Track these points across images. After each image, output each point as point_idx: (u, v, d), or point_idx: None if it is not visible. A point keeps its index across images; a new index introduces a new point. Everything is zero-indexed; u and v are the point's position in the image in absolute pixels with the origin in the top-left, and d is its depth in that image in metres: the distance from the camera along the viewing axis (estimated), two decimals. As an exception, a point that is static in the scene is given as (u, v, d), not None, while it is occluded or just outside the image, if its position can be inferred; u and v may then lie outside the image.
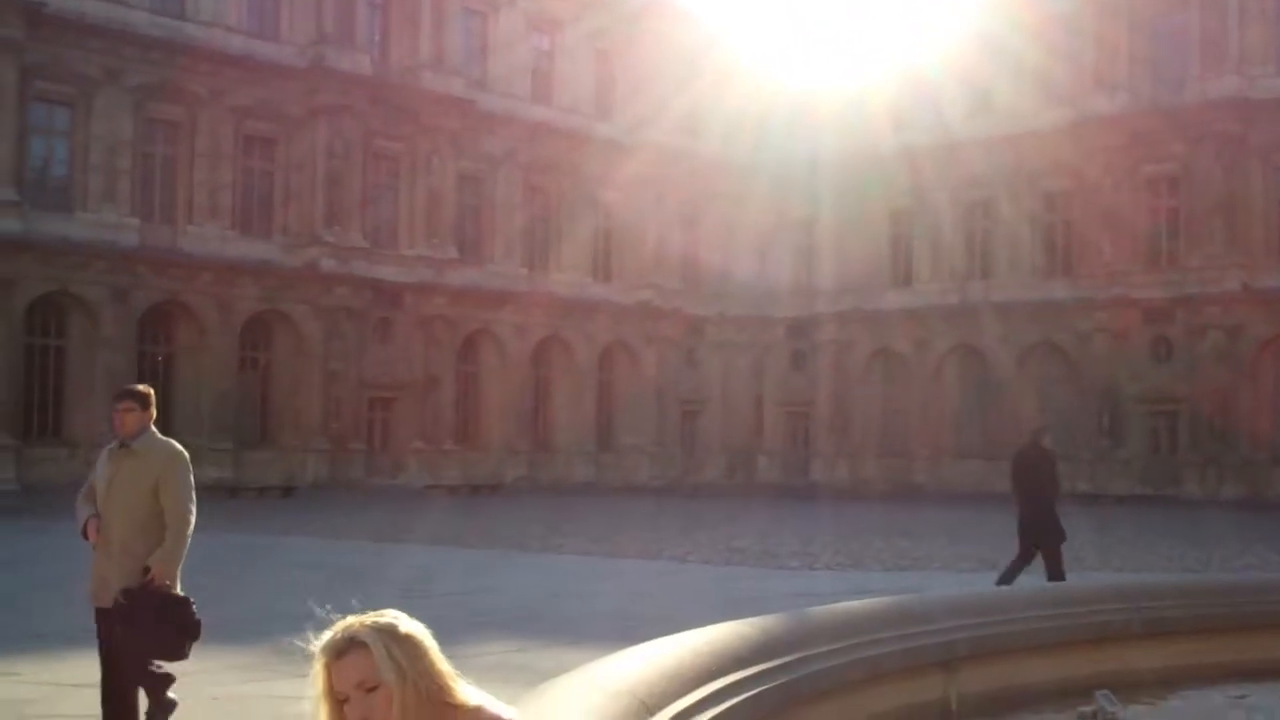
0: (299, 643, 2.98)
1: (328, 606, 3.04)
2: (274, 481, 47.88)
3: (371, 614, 2.96)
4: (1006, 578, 16.10)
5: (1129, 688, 10.48)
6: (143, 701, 8.23)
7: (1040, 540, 16.44)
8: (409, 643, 2.92)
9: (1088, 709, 10.01)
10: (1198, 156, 52.93)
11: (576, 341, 60.38)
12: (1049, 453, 17.51)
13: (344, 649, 2.90)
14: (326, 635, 2.95)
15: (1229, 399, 52.26)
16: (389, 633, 2.91)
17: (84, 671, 10.27)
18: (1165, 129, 53.31)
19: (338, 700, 2.91)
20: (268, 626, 12.64)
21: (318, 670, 2.95)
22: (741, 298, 64.99)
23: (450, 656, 2.99)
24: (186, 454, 8.49)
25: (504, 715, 2.93)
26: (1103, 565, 19.16)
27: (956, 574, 19.29)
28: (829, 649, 9.20)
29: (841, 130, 59.97)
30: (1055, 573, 16.13)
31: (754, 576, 18.43)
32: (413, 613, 2.97)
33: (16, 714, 8.76)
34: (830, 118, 60.64)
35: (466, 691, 2.97)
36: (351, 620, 2.96)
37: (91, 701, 9.10)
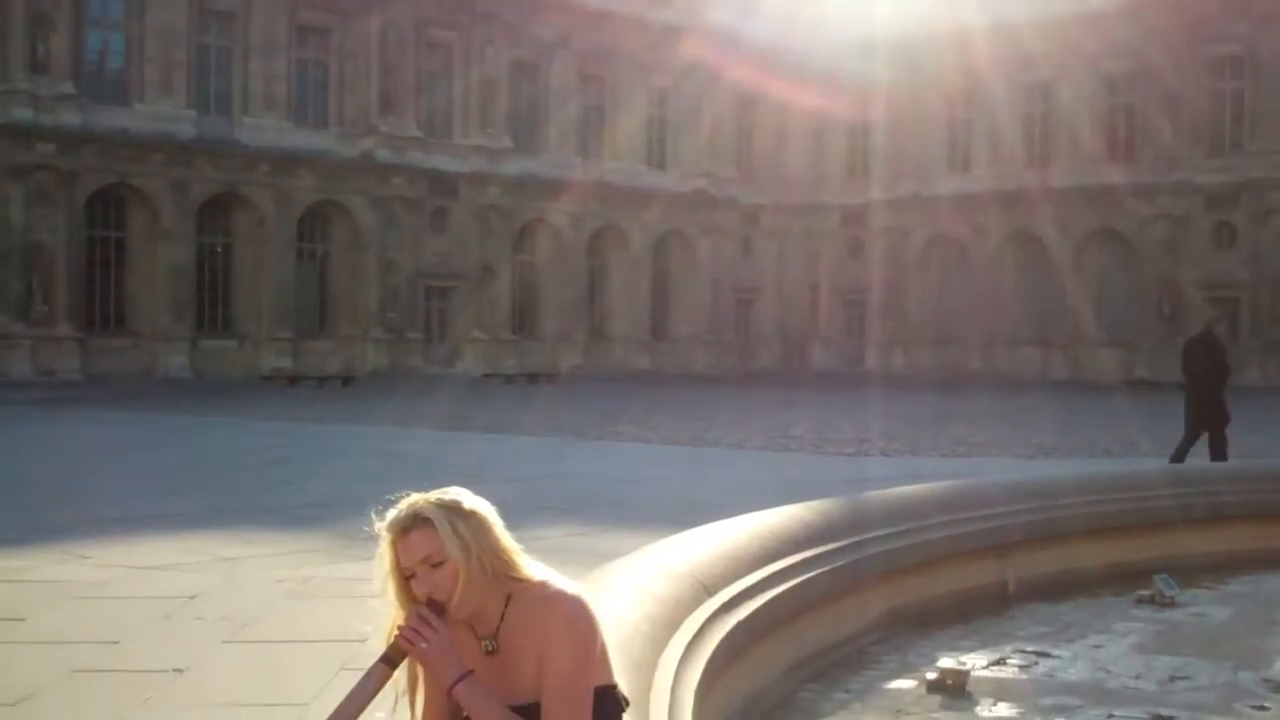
0: (365, 527, 3.04)
1: (394, 492, 3.08)
2: (333, 371, 48.29)
3: (436, 491, 3.01)
4: (1177, 456, 17.19)
5: (1186, 572, 10.49)
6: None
7: (1207, 422, 17.53)
8: (473, 519, 2.97)
9: (1145, 593, 10.04)
10: (1262, 37, 51.84)
11: (631, 230, 60.26)
12: (1219, 342, 18.73)
13: (409, 525, 2.95)
14: (392, 513, 3.00)
15: (1291, 285, 51.65)
16: (454, 509, 2.96)
17: (149, 555, 10.50)
18: (1228, 9, 52.15)
19: (404, 576, 2.97)
20: (332, 512, 12.82)
21: (384, 547, 3.00)
22: (796, 185, 64.54)
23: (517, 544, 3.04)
24: None
25: (569, 590, 2.98)
26: (1160, 453, 19.08)
27: (1012, 460, 19.26)
28: (885, 533, 9.26)
29: (897, 13, 59.03)
30: (1219, 454, 17.14)
31: (810, 462, 18.51)
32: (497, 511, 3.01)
33: (89, 595, 8.96)
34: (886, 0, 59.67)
35: (531, 567, 3.03)
36: (416, 498, 3.00)
37: (158, 582, 9.30)
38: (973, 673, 7.85)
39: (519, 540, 3.04)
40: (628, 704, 3.06)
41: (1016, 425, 27.76)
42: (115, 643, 7.56)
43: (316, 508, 13.26)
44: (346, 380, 45.91)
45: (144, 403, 33.00)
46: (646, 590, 6.27)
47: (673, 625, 6.13)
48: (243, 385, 43.32)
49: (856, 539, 8.94)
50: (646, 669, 5.43)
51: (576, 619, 2.95)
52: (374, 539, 3.02)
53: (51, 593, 9.05)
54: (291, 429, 24.74)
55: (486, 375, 49.67)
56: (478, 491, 3.04)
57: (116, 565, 10.07)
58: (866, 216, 62.74)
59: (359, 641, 7.10)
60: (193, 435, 23.57)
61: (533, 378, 49.07)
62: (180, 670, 6.92)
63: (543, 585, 2.99)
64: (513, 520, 3.04)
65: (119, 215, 47.94)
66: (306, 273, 52.74)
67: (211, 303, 49.97)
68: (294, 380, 44.78)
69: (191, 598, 8.86)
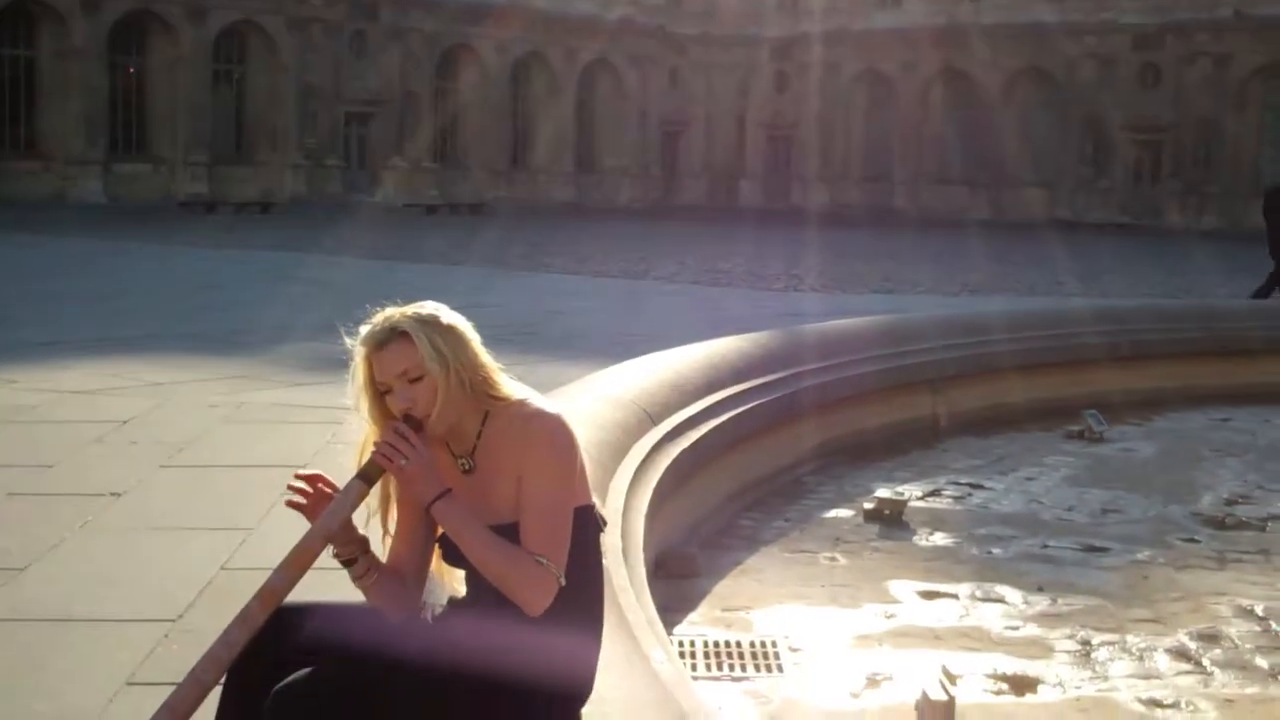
0: (347, 337, 2.94)
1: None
2: (251, 197, 47.53)
3: (412, 305, 2.91)
4: (1261, 293, 18.55)
5: (1113, 409, 10.65)
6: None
7: None
8: (452, 334, 2.87)
9: (1075, 428, 10.20)
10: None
11: (557, 59, 59.35)
12: None
13: (386, 339, 2.85)
14: (366, 327, 2.90)
15: (1213, 128, 51.97)
16: (431, 323, 2.86)
17: (78, 379, 10.33)
18: None
19: (379, 391, 2.88)
20: (260, 338, 12.68)
21: (358, 362, 2.90)
22: (726, 16, 63.72)
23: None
24: None
25: (548, 408, 2.91)
26: (1085, 292, 19.29)
27: (940, 297, 19.39)
28: (823, 364, 9.31)
29: None
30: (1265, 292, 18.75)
31: (741, 297, 18.52)
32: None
33: (19, 419, 8.81)
34: None
35: (510, 385, 2.95)
36: (392, 311, 2.90)
37: (89, 406, 9.15)
38: (909, 503, 7.95)
39: None
40: (605, 524, 3.01)
41: (943, 263, 27.92)
42: (49, 466, 7.43)
43: (244, 334, 13.07)
44: (265, 207, 45.26)
45: (58, 228, 32.34)
46: (593, 417, 6.25)
47: (620, 452, 6.14)
48: (159, 211, 42.56)
49: (794, 370, 8.98)
50: (598, 493, 5.42)
51: (556, 437, 2.87)
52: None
53: (-20, 416, 8.89)
54: (212, 255, 24.39)
55: (408, 205, 49.08)
56: None
57: (45, 390, 9.89)
58: (796, 50, 62.17)
59: (300, 466, 7.03)
60: (112, 261, 23.18)
61: (454, 208, 48.59)
62: (117, 494, 6.83)
63: (521, 403, 2.91)
64: None
65: (29, 33, 46.51)
66: (223, 96, 51.59)
67: (125, 125, 48.81)
68: (211, 207, 44.06)
69: (124, 422, 8.73)
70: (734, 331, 10.35)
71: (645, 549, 5.66)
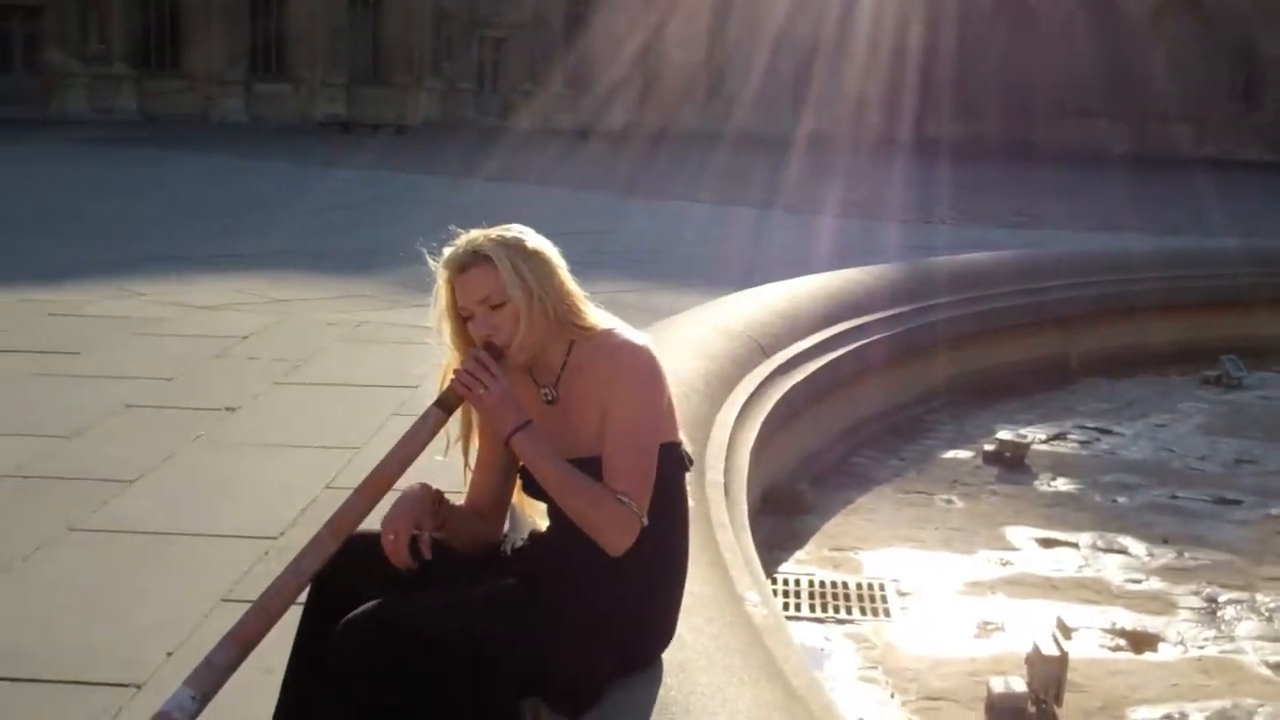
0: (423, 272, 2.84)
1: (453, 227, 2.87)
2: (387, 119, 47.81)
3: (497, 228, 2.79)
4: None
5: (1256, 354, 10.27)
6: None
7: None
8: (536, 259, 2.73)
9: (1211, 373, 9.84)
10: None
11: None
12: None
13: (468, 263, 2.72)
14: (450, 249, 2.79)
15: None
16: (515, 247, 2.72)
17: (203, 294, 10.44)
18: None
19: (461, 317, 2.77)
20: (385, 259, 12.70)
21: (440, 285, 2.80)
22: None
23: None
24: None
25: (635, 340, 2.77)
26: (1230, 232, 18.62)
27: (1077, 233, 18.88)
28: (948, 300, 9.07)
29: None
30: None
31: (869, 229, 18.20)
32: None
33: (144, 331, 8.90)
34: None
35: (596, 314, 2.81)
36: (476, 234, 2.77)
37: (212, 321, 9.22)
38: (1032, 446, 7.73)
39: None
40: (691, 463, 2.87)
41: (1081, 198, 27.25)
42: (169, 379, 7.51)
43: (369, 254, 13.11)
44: (400, 129, 45.48)
45: (200, 145, 32.83)
46: (704, 348, 6.13)
47: (730, 384, 6.00)
48: (297, 130, 43.02)
49: (918, 305, 8.76)
50: (703, 426, 5.32)
51: (642, 370, 2.74)
52: (430, 281, 2.82)
53: (106, 328, 9.01)
54: (345, 175, 24.54)
55: (539, 129, 49.04)
56: None
57: (171, 303, 10.02)
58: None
59: (412, 387, 7.02)
60: (248, 179, 23.45)
61: (585, 133, 48.44)
62: (232, 409, 6.87)
63: (608, 334, 2.77)
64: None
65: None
66: (360, 19, 51.84)
67: (265, 47, 49.34)
68: (347, 127, 44.42)
69: (244, 338, 8.81)
70: (860, 263, 10.14)
71: (752, 484, 5.54)
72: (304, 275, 11.91)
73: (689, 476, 2.89)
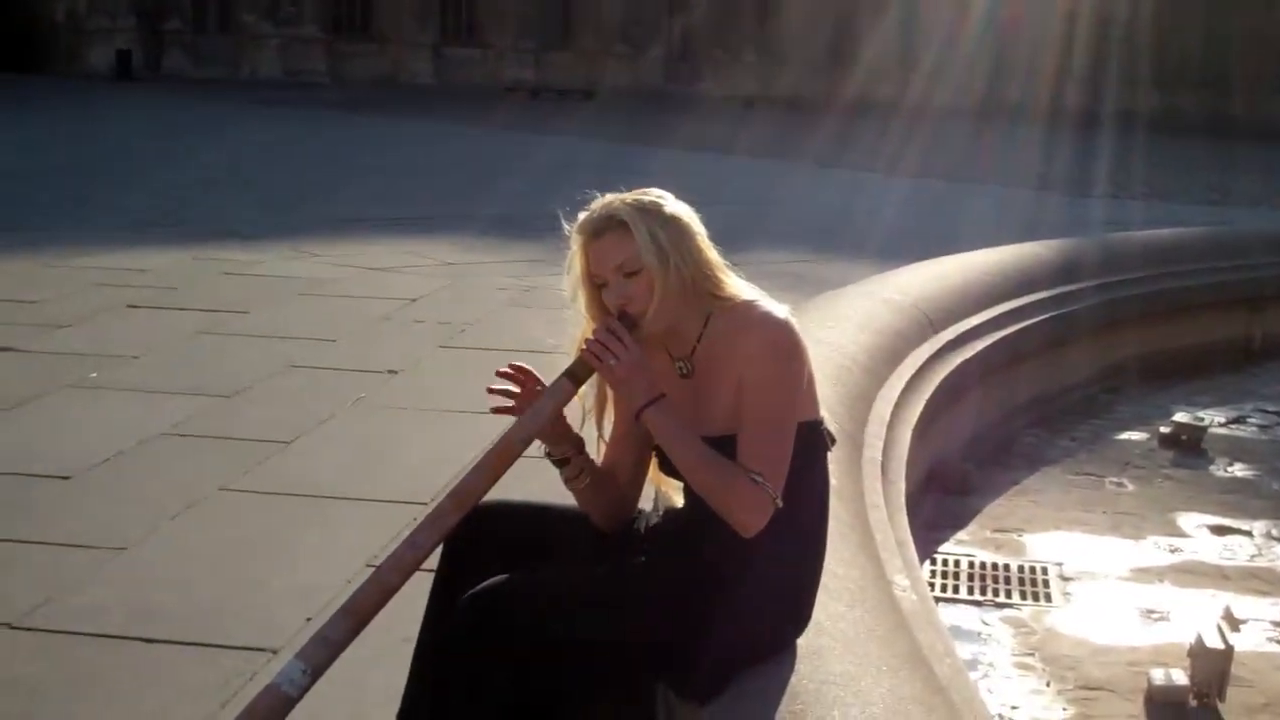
0: (565, 223, 2.76)
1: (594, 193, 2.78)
2: (574, 84, 48.04)
3: (634, 192, 2.68)
4: None
5: None
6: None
7: None
8: (674, 225, 2.61)
9: (1405, 357, 9.36)
10: None
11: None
12: None
13: (603, 228, 2.62)
14: (584, 214, 2.69)
15: None
16: (653, 212, 2.60)
17: (376, 256, 10.55)
18: None
19: (595, 285, 2.68)
20: (559, 225, 12.71)
21: (574, 251, 2.71)
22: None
23: (734, 264, 2.71)
24: None
25: (775, 313, 2.62)
26: None
27: (1272, 210, 18.15)
28: (1130, 277, 8.76)
29: None
30: None
31: (1055, 202, 17.72)
32: (700, 220, 2.69)
33: (313, 292, 9.03)
34: None
35: (737, 285, 2.67)
36: (612, 198, 2.67)
37: (381, 283, 9.31)
38: (1210, 429, 7.42)
39: (739, 264, 2.72)
40: (834, 441, 2.75)
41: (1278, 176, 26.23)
42: (333, 341, 7.59)
43: (548, 219, 13.05)
44: (587, 94, 45.66)
45: (388, 107, 33.33)
46: (868, 321, 5.98)
47: (894, 359, 5.85)
48: (485, 95, 43.43)
49: (1097, 282, 8.47)
50: (863, 402, 5.18)
51: (781, 344, 2.59)
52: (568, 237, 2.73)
53: (277, 288, 9.15)
54: (531, 140, 24.70)
55: (726, 97, 48.88)
56: (703, 213, 2.72)
57: (343, 265, 10.15)
58: (1135, -56, 59.00)
59: (574, 354, 6.96)
60: (433, 142, 23.70)
61: (773, 101, 48.12)
62: (394, 372, 6.91)
63: (747, 306, 2.63)
64: (735, 244, 2.71)
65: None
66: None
67: (455, 11, 49.91)
68: (535, 92, 44.73)
69: (413, 301, 8.87)
70: (1039, 237, 9.84)
71: (915, 463, 5.39)
72: (479, 239, 11.97)
73: (842, 454, 2.77)
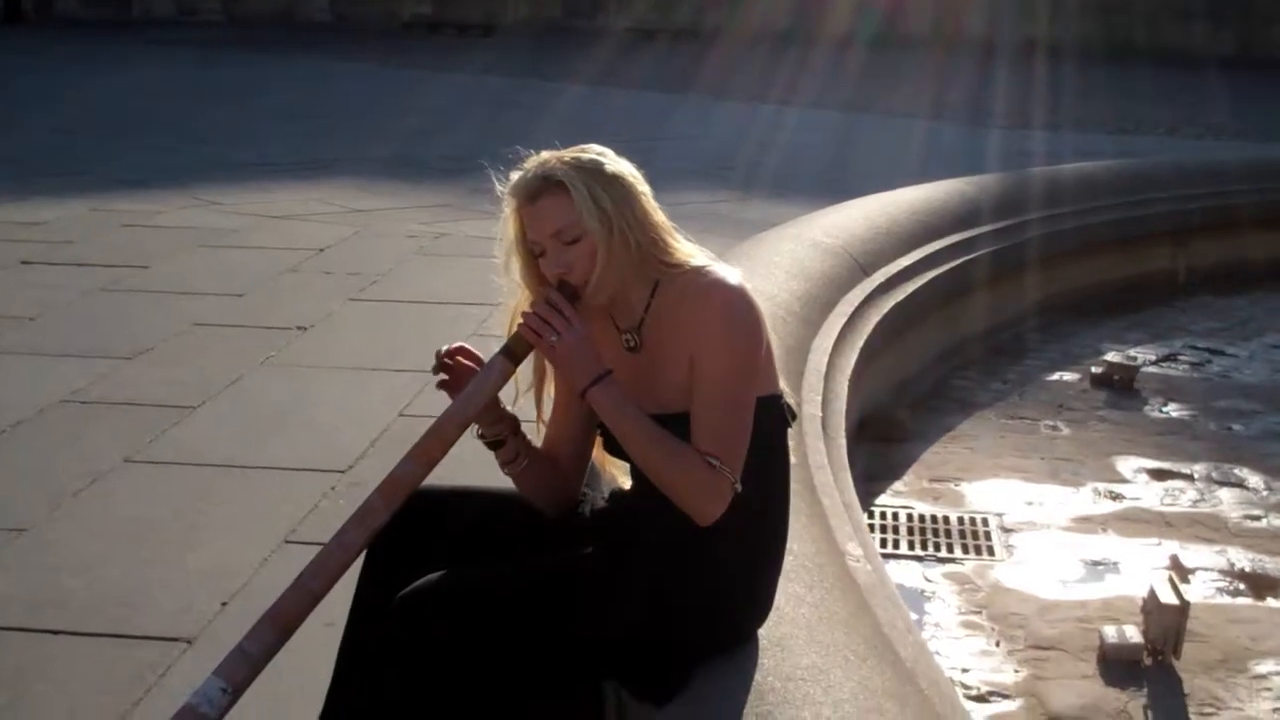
0: (497, 182, 2.50)
1: (534, 148, 2.52)
2: (474, 20, 47.26)
3: (572, 150, 2.43)
4: None
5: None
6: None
7: None
8: (617, 185, 2.37)
9: (1330, 290, 9.34)
10: None
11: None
12: None
13: (538, 190, 2.36)
14: (518, 174, 2.44)
15: None
16: (593, 172, 2.36)
17: (281, 204, 10.19)
18: None
19: (531, 253, 2.43)
20: (469, 165, 12.36)
21: (507, 215, 2.45)
22: None
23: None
24: None
25: (729, 279, 2.38)
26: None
27: (1184, 141, 18.17)
28: (1054, 213, 8.63)
29: None
30: None
31: (966, 135, 17.61)
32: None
33: (216, 243, 8.69)
34: None
35: (687, 249, 2.44)
36: (548, 156, 2.41)
37: (288, 232, 8.98)
38: (1141, 368, 7.32)
39: (659, 205, 2.47)
40: (794, 417, 2.53)
41: (1186, 104, 26.31)
42: (239, 296, 7.28)
43: (454, 160, 12.74)
44: (487, 30, 44.93)
45: (284, 46, 32.57)
46: (800, 268, 5.78)
47: (827, 306, 5.66)
48: (383, 32, 42.59)
49: (1021, 219, 8.33)
50: (799, 353, 4.98)
51: (736, 313, 2.35)
52: (500, 198, 2.48)
53: (178, 239, 8.79)
54: (431, 78, 24.16)
55: (627, 29, 48.28)
56: (616, 150, 2.46)
57: (249, 213, 9.78)
58: None
59: (493, 304, 6.67)
60: (333, 81, 23.12)
61: (677, 34, 47.65)
62: (304, 328, 6.63)
63: (697, 272, 2.40)
64: (653, 183, 2.46)
65: None
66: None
67: (352, -55, 48.89)
68: (435, 28, 43.94)
69: (321, 250, 8.56)
70: (959, 172, 9.68)
71: (848, 413, 5.22)
72: (387, 183, 11.59)
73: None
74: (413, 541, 2.50)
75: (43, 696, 3.10)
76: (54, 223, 9.25)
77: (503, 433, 2.54)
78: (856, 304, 5.84)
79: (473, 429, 2.50)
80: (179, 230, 9.06)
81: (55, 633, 3.41)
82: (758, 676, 2.36)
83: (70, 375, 5.65)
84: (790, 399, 2.52)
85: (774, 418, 2.46)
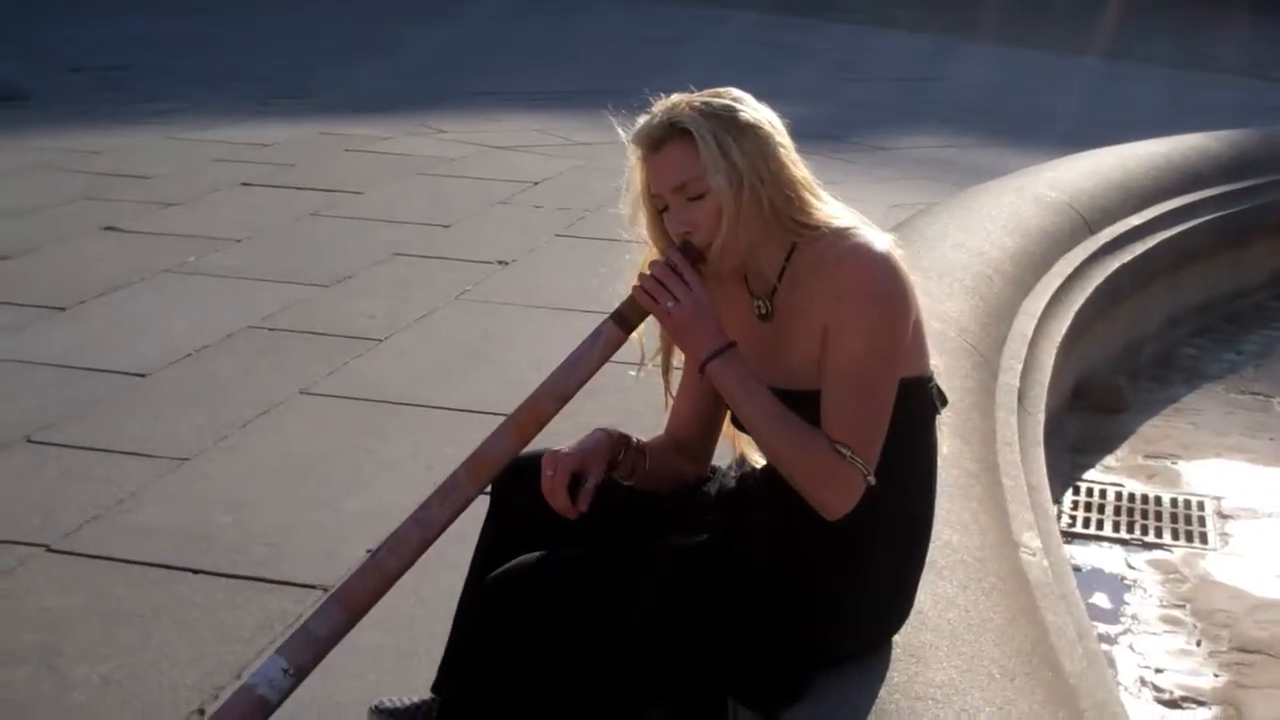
0: (620, 128, 2.29)
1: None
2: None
3: (706, 92, 2.18)
4: None
5: None
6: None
7: None
8: (751, 135, 2.08)
9: None
10: None
11: None
12: None
13: (662, 138, 2.12)
14: (644, 119, 2.21)
15: None
16: (726, 119, 2.09)
17: (503, 134, 10.12)
18: None
19: (657, 207, 2.20)
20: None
21: (632, 164, 2.22)
22: None
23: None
24: None
25: (875, 245, 2.09)
26: None
27: None
28: (1310, 173, 7.99)
29: None
30: None
31: (1233, 86, 16.62)
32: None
33: (432, 171, 8.66)
34: None
35: (831, 209, 2.15)
36: (678, 99, 2.16)
37: (505, 163, 8.89)
38: (1396, 347, 6.74)
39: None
40: (945, 402, 2.25)
41: None
42: (445, 226, 7.21)
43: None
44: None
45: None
46: (1015, 222, 5.42)
47: (1043, 265, 5.29)
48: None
49: (1271, 178, 7.72)
50: (1003, 315, 4.65)
51: (879, 284, 2.06)
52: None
53: (397, 166, 8.79)
54: (673, 9, 23.89)
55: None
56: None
57: (468, 143, 9.74)
58: None
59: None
60: (569, 12, 23.04)
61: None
62: (505, 263, 6.52)
63: (839, 235, 2.10)
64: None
65: None
66: None
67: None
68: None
69: (535, 184, 8.45)
70: (1212, 126, 9.06)
71: (1060, 381, 4.87)
72: (618, 116, 11.40)
73: (972, 383, 2.28)
74: (531, 504, 2.27)
75: (168, 642, 3.02)
76: (282, 145, 9.36)
77: (628, 469, 2.33)
78: (1077, 264, 5.45)
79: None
80: (399, 158, 9.06)
81: (196, 571, 3.35)
82: (882, 692, 2.11)
83: (264, 301, 5.65)
84: (941, 382, 2.24)
85: (920, 403, 2.19)
